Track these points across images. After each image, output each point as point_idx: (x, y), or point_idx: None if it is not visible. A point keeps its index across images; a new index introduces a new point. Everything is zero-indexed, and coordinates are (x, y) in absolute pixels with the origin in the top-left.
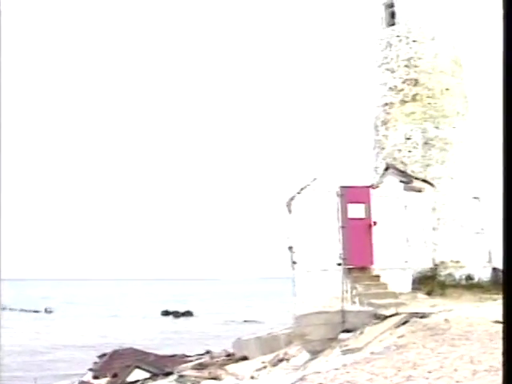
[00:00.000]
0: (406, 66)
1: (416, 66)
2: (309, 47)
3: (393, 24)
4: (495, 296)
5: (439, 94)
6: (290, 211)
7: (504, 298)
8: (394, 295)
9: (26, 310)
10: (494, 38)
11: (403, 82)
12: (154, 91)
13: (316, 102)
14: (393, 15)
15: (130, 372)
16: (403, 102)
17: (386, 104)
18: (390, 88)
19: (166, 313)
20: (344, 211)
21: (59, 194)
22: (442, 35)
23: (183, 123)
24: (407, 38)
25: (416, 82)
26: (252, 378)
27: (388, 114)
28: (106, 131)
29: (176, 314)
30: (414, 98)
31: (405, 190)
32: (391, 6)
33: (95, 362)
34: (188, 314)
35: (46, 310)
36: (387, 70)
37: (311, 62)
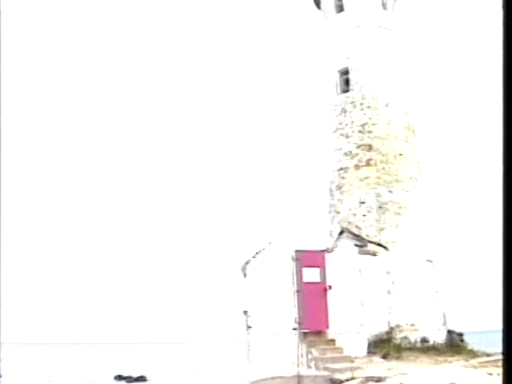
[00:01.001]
0: (360, 131)
1: (370, 132)
2: (261, 112)
3: (347, 90)
4: (450, 358)
5: (393, 159)
6: (245, 275)
7: (504, 298)
8: (350, 359)
9: None
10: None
11: (358, 148)
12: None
13: (272, 166)
14: (347, 82)
15: None
16: (358, 166)
17: (341, 169)
18: (345, 153)
19: (119, 377)
20: (299, 275)
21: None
22: (395, 102)
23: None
24: (361, 104)
25: (370, 148)
26: None
27: (343, 178)
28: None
29: (129, 380)
30: (368, 163)
31: (359, 253)
32: (346, 72)
33: None
34: (141, 379)
35: None
36: (342, 135)
37: (266, 128)
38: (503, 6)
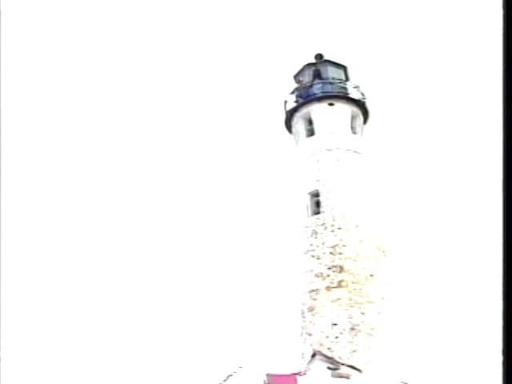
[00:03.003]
0: (331, 253)
1: (341, 253)
2: (230, 237)
3: (318, 212)
4: None
5: (364, 279)
6: None
7: (504, 298)
8: None
9: None
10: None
11: (329, 269)
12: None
13: (240, 287)
14: (318, 204)
15: None
16: (329, 288)
17: (313, 290)
18: (316, 275)
19: None
20: None
21: None
22: (366, 223)
23: None
24: (332, 225)
25: (341, 269)
26: None
27: (314, 300)
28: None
29: None
30: (339, 285)
31: (332, 376)
32: (316, 195)
33: None
34: None
35: None
36: (313, 256)
37: (234, 252)
38: (503, 6)
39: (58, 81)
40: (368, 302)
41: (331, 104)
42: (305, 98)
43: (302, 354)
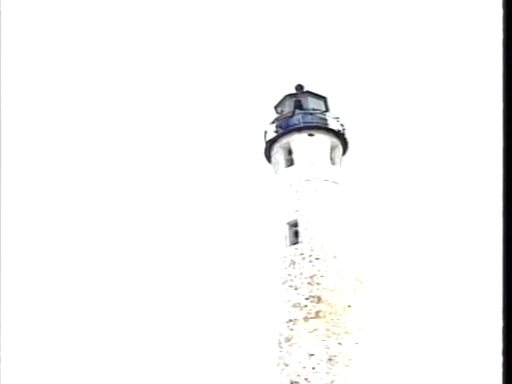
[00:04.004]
0: (309, 283)
1: (319, 284)
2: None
3: (296, 242)
4: None
5: (342, 310)
6: None
7: (504, 298)
8: None
9: None
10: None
11: (307, 299)
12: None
13: (217, 316)
14: (296, 234)
15: None
16: (307, 318)
17: (290, 320)
18: (294, 305)
19: None
20: None
21: None
22: (344, 253)
23: None
24: (310, 256)
25: (319, 299)
26: None
27: (292, 330)
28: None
29: None
30: (317, 315)
31: None
32: (295, 225)
33: None
34: None
35: None
36: (291, 287)
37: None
38: (503, 6)
39: (57, 81)
40: (345, 332)
41: (311, 134)
42: (285, 128)
43: None
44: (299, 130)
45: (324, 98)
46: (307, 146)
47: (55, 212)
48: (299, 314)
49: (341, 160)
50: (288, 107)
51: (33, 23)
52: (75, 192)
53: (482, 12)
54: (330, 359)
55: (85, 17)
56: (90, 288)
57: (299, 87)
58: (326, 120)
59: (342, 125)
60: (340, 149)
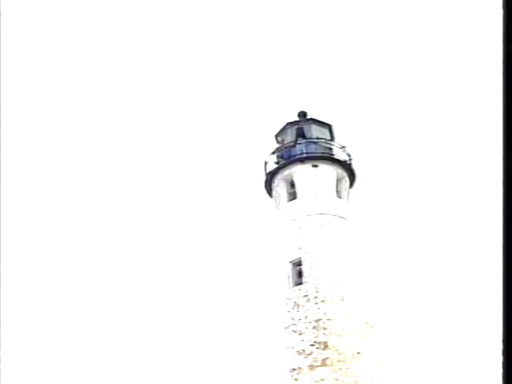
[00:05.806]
0: (314, 327)
1: (325, 328)
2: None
3: (300, 283)
4: None
5: (351, 357)
6: None
7: (504, 298)
8: None
9: None
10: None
11: (312, 345)
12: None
13: (215, 365)
14: (300, 274)
15: None
16: (312, 366)
17: (294, 369)
18: (298, 352)
19: None
20: None
21: None
22: (352, 295)
23: None
24: (315, 297)
25: (326, 345)
26: None
27: (296, 380)
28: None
29: None
30: (323, 363)
31: None
32: (298, 264)
33: None
34: None
35: None
36: (294, 332)
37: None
38: (503, 6)
39: (57, 81)
40: (355, 382)
41: (315, 166)
42: (287, 158)
43: None
44: (302, 160)
45: (329, 126)
46: (311, 178)
47: (55, 212)
48: (304, 362)
49: (348, 193)
50: (290, 136)
51: (33, 23)
52: (75, 192)
53: (482, 12)
54: None
55: (85, 17)
56: (90, 288)
57: (302, 114)
58: (331, 149)
59: (348, 155)
60: (347, 181)
